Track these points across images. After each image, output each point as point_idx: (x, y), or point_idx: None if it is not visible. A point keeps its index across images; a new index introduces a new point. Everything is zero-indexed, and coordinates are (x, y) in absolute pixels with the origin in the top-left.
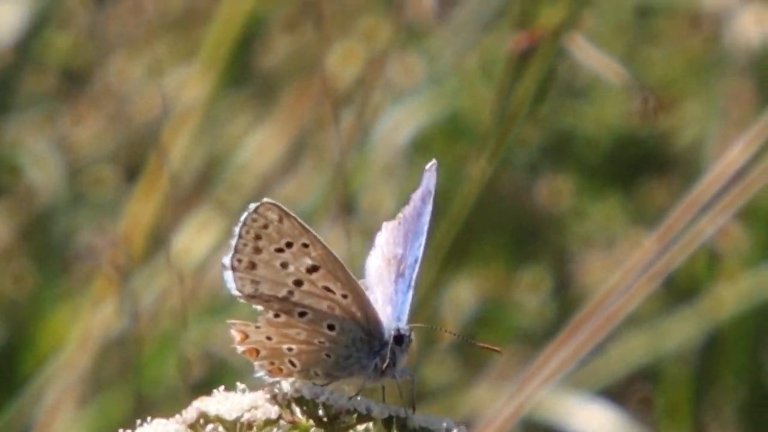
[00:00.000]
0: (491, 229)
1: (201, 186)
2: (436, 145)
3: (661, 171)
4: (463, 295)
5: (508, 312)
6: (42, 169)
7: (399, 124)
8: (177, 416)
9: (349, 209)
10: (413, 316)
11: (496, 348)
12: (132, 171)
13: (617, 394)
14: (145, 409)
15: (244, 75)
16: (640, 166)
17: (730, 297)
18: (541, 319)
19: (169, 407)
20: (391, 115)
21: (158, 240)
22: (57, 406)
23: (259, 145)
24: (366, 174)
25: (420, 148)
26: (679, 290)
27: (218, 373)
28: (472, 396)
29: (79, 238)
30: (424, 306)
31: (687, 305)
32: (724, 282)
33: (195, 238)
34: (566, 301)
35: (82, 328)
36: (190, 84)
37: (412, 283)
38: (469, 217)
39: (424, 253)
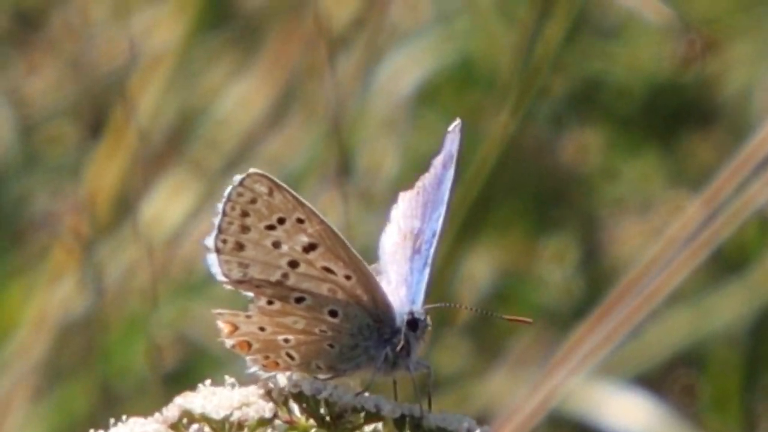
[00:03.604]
0: (509, 192)
1: (174, 144)
2: (444, 95)
3: (705, 123)
4: (478, 268)
5: (529, 288)
6: None
7: (402, 70)
8: (156, 414)
9: (346, 170)
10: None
11: (527, 319)
12: (95, 127)
13: (656, 381)
14: (111, 402)
15: (223, 15)
16: (680, 118)
17: None
18: (567, 295)
19: (138, 401)
20: (393, 60)
21: (125, 206)
22: (9, 399)
23: (240, 96)
24: (364, 129)
25: (426, 98)
26: (726, 261)
27: (195, 362)
28: (488, 385)
29: (33, 204)
30: (437, 283)
31: (735, 278)
32: None
33: (167, 205)
34: (595, 275)
35: (38, 308)
36: (161, 26)
37: (429, 261)
38: (489, 180)
39: (443, 226)
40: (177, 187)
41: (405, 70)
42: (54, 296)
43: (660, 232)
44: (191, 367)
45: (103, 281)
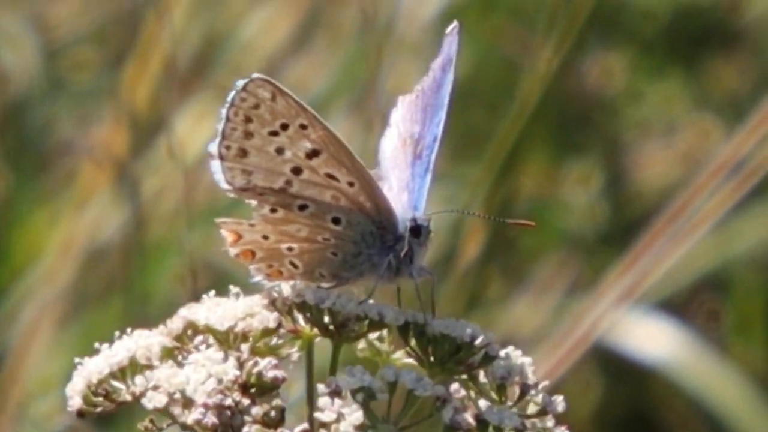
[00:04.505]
0: (531, 115)
1: (198, 70)
2: (468, 19)
3: (729, 45)
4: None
5: (553, 212)
6: (15, 52)
7: None
8: (161, 326)
9: (370, 94)
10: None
11: (529, 222)
12: (119, 53)
13: (681, 306)
14: (137, 328)
15: None
16: (703, 41)
17: None
18: (591, 219)
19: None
20: None
21: (150, 132)
22: (35, 326)
23: (264, 21)
24: (388, 54)
25: (450, 22)
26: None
27: (220, 288)
28: (512, 310)
29: (58, 130)
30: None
31: (759, 200)
32: None
33: (193, 130)
34: (620, 199)
35: (64, 234)
36: None
37: (431, 166)
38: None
39: (444, 131)
40: (201, 112)
41: None
42: (79, 223)
43: (685, 156)
44: (216, 293)
45: (129, 207)
